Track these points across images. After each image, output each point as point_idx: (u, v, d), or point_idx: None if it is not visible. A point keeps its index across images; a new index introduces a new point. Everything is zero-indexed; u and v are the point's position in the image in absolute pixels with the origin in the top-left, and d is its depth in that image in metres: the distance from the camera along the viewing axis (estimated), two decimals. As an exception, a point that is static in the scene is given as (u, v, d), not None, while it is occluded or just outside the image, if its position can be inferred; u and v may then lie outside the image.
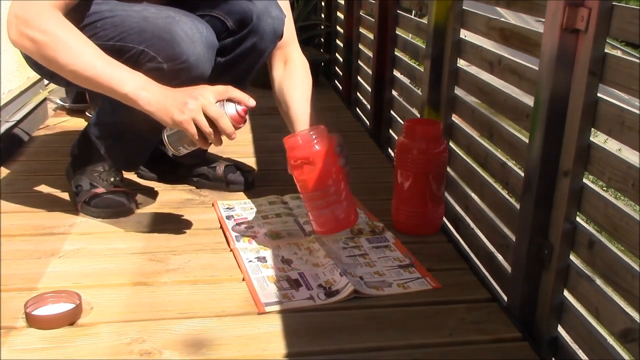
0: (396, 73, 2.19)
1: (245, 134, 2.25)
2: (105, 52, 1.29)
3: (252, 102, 1.25)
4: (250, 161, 1.98)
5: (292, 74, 1.55)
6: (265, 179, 1.80)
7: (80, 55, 1.24)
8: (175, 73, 1.34)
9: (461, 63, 1.60)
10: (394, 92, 2.22)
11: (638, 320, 0.90)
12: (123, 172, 1.63)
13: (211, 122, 1.21)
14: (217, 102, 1.23)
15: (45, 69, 1.38)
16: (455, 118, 1.62)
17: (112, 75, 1.24)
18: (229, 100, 1.24)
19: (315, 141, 1.30)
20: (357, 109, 2.71)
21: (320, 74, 3.15)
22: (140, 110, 1.42)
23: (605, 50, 0.97)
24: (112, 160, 1.56)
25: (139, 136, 1.56)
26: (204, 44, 1.38)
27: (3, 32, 1.96)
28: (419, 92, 1.85)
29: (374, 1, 2.30)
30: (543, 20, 1.09)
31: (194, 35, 1.36)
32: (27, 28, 1.23)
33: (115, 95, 1.25)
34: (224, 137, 1.26)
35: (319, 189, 1.31)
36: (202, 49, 1.37)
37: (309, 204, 1.35)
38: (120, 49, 1.34)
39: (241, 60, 1.54)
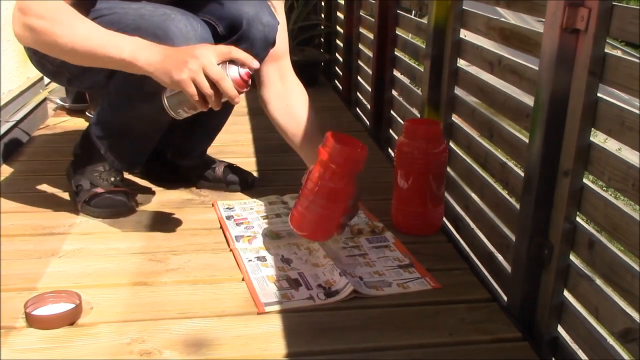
0: (396, 73, 2.19)
1: (245, 134, 2.25)
2: None
3: (255, 64, 1.20)
4: (250, 161, 1.98)
5: (294, 93, 1.52)
6: (265, 179, 1.80)
7: (75, 32, 1.23)
8: None
9: (461, 63, 1.60)
10: (394, 92, 2.22)
11: (638, 320, 0.90)
12: (123, 172, 1.63)
13: (212, 83, 1.17)
14: (219, 63, 1.17)
15: (48, 67, 1.37)
16: (455, 118, 1.62)
17: (107, 43, 1.21)
18: (232, 61, 1.19)
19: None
20: (357, 109, 2.71)
21: (320, 74, 3.15)
22: (141, 110, 1.42)
23: (605, 50, 0.97)
24: (113, 160, 1.56)
25: (140, 136, 1.56)
26: (198, 41, 1.37)
27: (3, 31, 1.96)
28: (419, 92, 1.85)
29: (374, 1, 2.30)
30: (543, 20, 1.09)
31: (188, 32, 1.35)
32: (27, 17, 1.23)
33: (115, 64, 1.22)
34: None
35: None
36: None
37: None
38: None
39: None
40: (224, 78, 1.16)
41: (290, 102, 1.54)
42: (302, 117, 1.52)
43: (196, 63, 1.16)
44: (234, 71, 1.18)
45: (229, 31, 1.47)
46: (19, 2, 1.25)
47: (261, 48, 1.47)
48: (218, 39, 1.47)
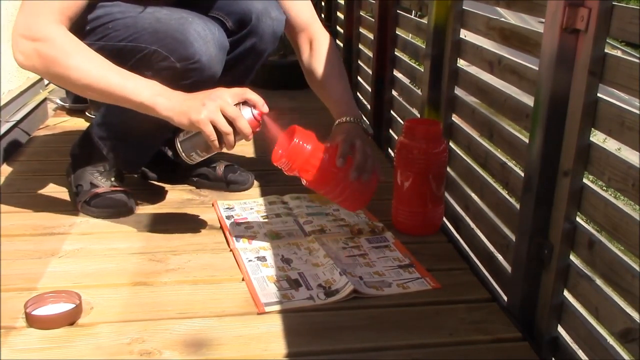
0: (396, 73, 2.19)
1: (245, 134, 2.25)
2: (117, 53, 1.29)
3: (266, 109, 1.26)
4: (250, 161, 1.98)
5: (319, 54, 1.54)
6: (265, 179, 1.80)
7: (90, 68, 1.23)
8: (187, 73, 1.35)
9: (461, 63, 1.60)
10: (394, 92, 2.22)
11: (638, 320, 0.90)
12: (124, 172, 1.63)
13: (229, 122, 1.22)
14: (235, 104, 1.23)
15: None
16: (455, 118, 1.62)
17: (125, 85, 1.23)
18: (245, 102, 1.25)
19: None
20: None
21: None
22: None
23: (605, 50, 0.97)
24: (115, 160, 1.56)
25: (144, 138, 1.56)
26: (216, 44, 1.39)
27: (3, 32, 1.96)
28: (419, 92, 1.85)
29: (374, 1, 2.30)
30: (543, 20, 1.09)
31: (206, 36, 1.36)
32: (35, 43, 1.22)
33: (131, 105, 1.25)
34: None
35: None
36: (214, 49, 1.38)
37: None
38: (133, 49, 1.34)
39: (241, 61, 1.54)
40: (240, 117, 1.22)
41: (313, 68, 1.56)
42: (324, 82, 1.55)
43: (214, 104, 1.21)
44: (248, 112, 1.24)
45: (238, 26, 1.50)
46: (19, 29, 1.23)
47: (270, 42, 1.52)
48: (227, 33, 1.49)
